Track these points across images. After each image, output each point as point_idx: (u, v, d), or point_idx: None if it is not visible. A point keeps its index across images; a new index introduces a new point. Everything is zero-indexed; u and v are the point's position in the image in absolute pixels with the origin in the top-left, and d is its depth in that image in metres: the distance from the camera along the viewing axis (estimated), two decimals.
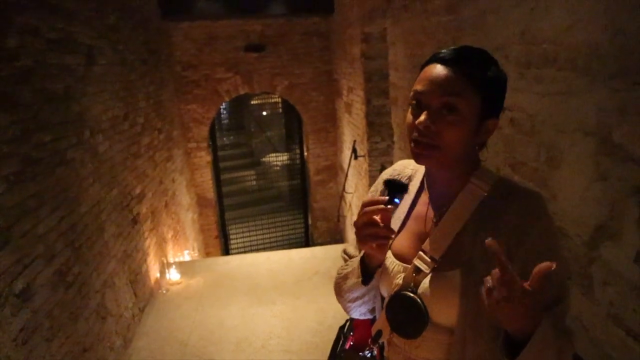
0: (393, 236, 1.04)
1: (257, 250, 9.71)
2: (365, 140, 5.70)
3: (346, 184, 7.42)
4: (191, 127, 7.94)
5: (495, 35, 2.01)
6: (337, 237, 8.69)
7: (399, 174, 1.19)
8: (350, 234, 7.53)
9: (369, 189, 5.71)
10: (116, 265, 3.75)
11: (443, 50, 0.99)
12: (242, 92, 8.18)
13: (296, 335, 3.91)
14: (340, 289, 1.20)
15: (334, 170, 8.85)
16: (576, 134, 1.51)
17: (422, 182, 1.14)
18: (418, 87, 0.99)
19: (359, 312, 1.22)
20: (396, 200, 1.03)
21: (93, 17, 3.87)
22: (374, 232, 0.98)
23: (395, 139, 4.23)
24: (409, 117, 1.00)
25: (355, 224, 1.00)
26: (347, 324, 1.40)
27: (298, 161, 9.85)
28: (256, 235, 10.41)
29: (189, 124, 7.90)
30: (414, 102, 0.99)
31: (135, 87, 4.94)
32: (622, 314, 1.39)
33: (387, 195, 1.03)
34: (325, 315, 4.18)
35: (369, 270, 1.12)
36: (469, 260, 0.97)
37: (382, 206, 0.98)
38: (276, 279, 5.02)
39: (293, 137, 10.76)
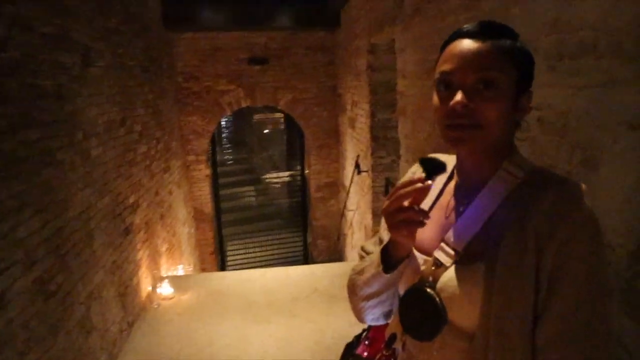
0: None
1: (254, 268, 9.48)
2: (369, 154, 5.53)
3: (347, 202, 7.22)
4: (191, 140, 7.78)
5: (521, 27, 1.83)
6: (336, 256, 8.46)
7: None
8: (351, 253, 7.31)
9: (372, 205, 5.60)
10: (104, 276, 3.54)
11: (465, 26, 0.91)
12: (244, 105, 8.05)
13: (292, 356, 3.68)
14: (354, 286, 1.08)
15: (335, 188, 8.67)
16: (620, 129, 1.33)
17: (451, 172, 1.03)
18: (446, 66, 0.89)
19: (373, 316, 1.09)
20: (430, 181, 0.89)
21: (93, 18, 3.73)
22: (407, 217, 0.88)
23: (402, 152, 4.06)
24: (436, 101, 0.91)
25: (386, 210, 0.90)
26: (364, 333, 1.25)
27: (299, 178, 9.70)
28: (254, 252, 10.21)
29: (189, 135, 7.74)
30: (441, 85, 0.90)
31: (133, 93, 4.78)
32: None
33: (424, 173, 0.91)
34: (324, 335, 3.96)
35: (393, 261, 0.99)
36: (494, 254, 0.85)
37: (420, 185, 0.87)
38: (272, 296, 4.80)
39: (294, 154, 10.70)
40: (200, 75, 7.63)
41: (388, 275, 0.99)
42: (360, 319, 1.13)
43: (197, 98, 7.69)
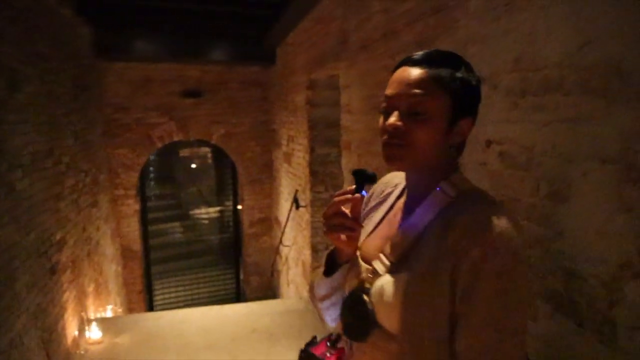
0: (364, 237, 1.11)
1: (184, 306, 9.08)
2: (308, 189, 5.50)
3: (283, 237, 7.12)
4: (119, 173, 7.41)
5: (480, 65, 1.90)
6: (270, 293, 8.27)
7: (386, 183, 1.20)
8: (286, 289, 7.17)
9: (310, 240, 5.54)
10: (27, 321, 3.22)
11: (415, 53, 0.99)
12: (176, 138, 7.83)
13: None
14: (312, 288, 1.19)
15: (268, 223, 8.54)
16: (589, 163, 1.38)
17: (403, 189, 1.13)
18: (388, 90, 1.00)
19: (330, 317, 1.18)
20: (363, 192, 1.03)
21: (21, 41, 3.50)
22: (340, 222, 1.01)
23: (345, 186, 4.06)
24: (380, 121, 1.01)
25: (324, 215, 1.03)
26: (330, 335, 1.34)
27: (230, 214, 9.48)
28: (184, 290, 9.81)
29: (117, 169, 7.38)
30: (384, 105, 1.00)
31: (62, 123, 4.50)
32: None
33: (355, 185, 1.03)
34: None
35: (336, 265, 1.12)
36: (416, 266, 0.95)
37: (350, 195, 1.01)
38: (210, 337, 4.57)
39: (224, 189, 10.54)
40: (130, 107, 7.35)
41: (330, 279, 1.11)
42: (323, 321, 1.21)
43: (127, 130, 7.38)
